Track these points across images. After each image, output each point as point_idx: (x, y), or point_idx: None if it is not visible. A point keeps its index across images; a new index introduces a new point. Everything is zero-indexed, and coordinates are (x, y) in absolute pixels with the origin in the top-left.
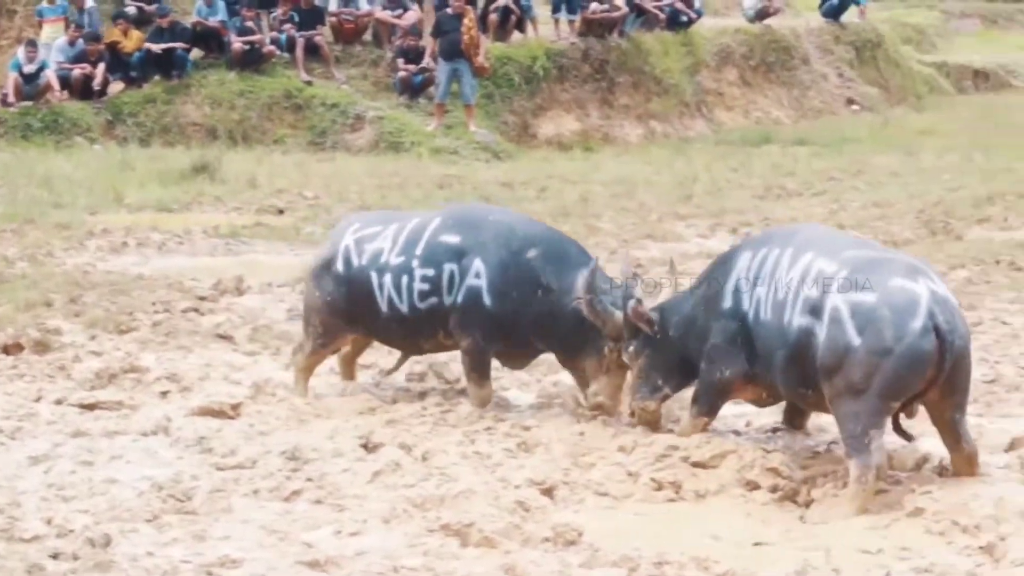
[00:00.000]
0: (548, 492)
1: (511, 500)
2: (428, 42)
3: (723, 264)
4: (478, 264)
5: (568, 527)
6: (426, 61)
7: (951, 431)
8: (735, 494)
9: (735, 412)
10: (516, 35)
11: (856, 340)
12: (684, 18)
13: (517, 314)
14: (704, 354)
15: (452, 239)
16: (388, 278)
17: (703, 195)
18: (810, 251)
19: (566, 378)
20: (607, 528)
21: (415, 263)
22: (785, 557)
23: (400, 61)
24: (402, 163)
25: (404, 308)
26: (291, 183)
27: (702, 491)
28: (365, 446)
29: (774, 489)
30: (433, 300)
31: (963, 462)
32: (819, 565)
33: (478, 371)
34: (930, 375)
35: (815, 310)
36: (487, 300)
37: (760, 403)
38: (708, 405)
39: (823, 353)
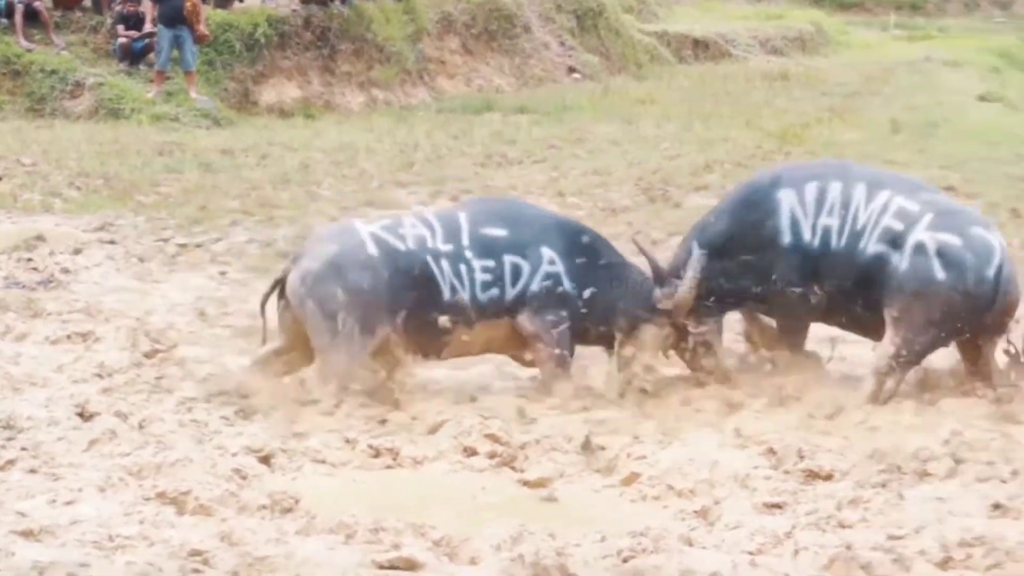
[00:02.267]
0: (265, 460)
1: (228, 468)
2: (148, 8)
3: None
4: (548, 252)
5: (285, 494)
6: (147, 27)
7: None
8: (453, 460)
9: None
10: (237, 3)
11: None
12: None
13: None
14: None
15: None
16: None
17: (424, 163)
18: None
19: None
20: (324, 495)
21: (469, 253)
22: (502, 522)
23: (120, 27)
24: (122, 130)
25: (466, 297)
26: (8, 150)
27: (420, 457)
28: (81, 415)
29: (492, 455)
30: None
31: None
32: (535, 530)
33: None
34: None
35: None
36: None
37: None
38: None
39: None
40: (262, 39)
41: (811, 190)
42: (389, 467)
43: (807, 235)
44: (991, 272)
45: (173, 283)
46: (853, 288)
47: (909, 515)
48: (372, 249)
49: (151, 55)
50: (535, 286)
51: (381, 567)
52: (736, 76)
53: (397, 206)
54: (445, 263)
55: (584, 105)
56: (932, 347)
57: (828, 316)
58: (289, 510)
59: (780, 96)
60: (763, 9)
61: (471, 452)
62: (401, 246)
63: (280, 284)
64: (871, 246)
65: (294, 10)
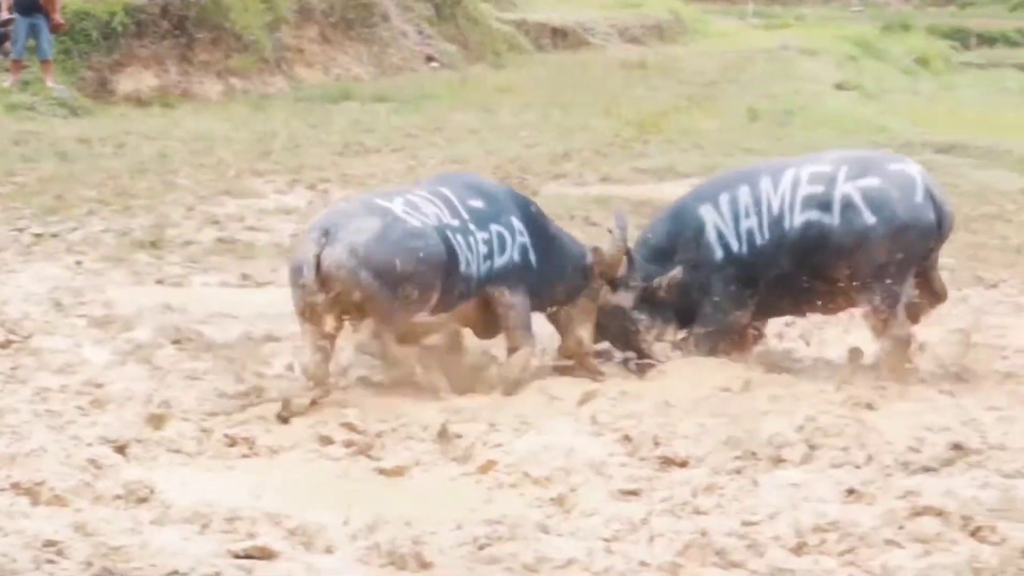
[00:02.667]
0: (121, 449)
1: (83, 458)
2: None
3: None
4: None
5: (140, 484)
6: (2, 15)
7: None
8: (309, 449)
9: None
10: None
11: None
12: None
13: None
14: None
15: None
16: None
17: (282, 151)
18: None
19: (141, 335)
20: (180, 485)
21: (472, 226)
22: (359, 510)
23: None
24: None
25: (474, 270)
26: None
27: (276, 447)
28: None
29: (348, 444)
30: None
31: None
32: (392, 518)
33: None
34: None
35: None
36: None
37: None
38: None
39: None
40: (119, 28)
41: (725, 201)
42: (245, 456)
43: (735, 245)
44: (919, 197)
45: (28, 273)
46: (793, 267)
47: (763, 501)
48: (415, 221)
49: (7, 44)
50: (516, 256)
51: (237, 556)
52: (594, 64)
53: (254, 195)
54: (460, 237)
55: (442, 94)
56: (904, 281)
57: (768, 310)
58: (144, 500)
59: (638, 84)
60: None
61: (328, 441)
62: (430, 222)
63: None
64: (797, 218)
65: None
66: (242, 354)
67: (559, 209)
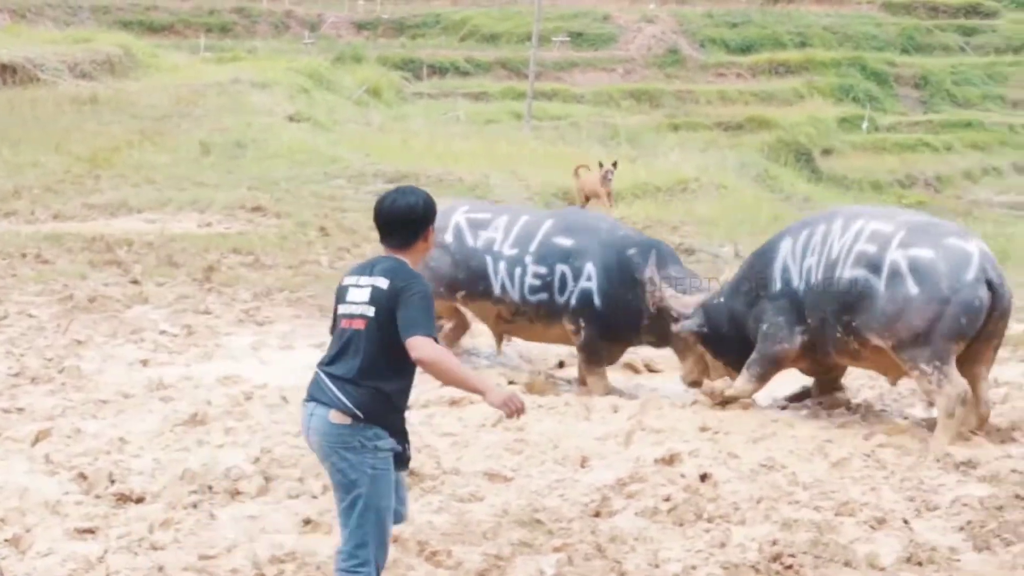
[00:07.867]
0: None
1: None
2: None
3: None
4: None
5: None
6: None
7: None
8: None
9: None
10: None
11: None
12: None
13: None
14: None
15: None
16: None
17: None
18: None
19: None
20: None
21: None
22: None
23: None
24: None
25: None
26: None
27: None
28: None
29: None
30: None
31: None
32: None
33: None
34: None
35: None
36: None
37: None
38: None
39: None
40: None
41: None
42: None
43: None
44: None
45: None
46: None
47: (221, 534)
48: (448, 237)
49: None
50: (574, 301)
51: None
52: (45, 101)
53: None
54: (502, 265)
55: None
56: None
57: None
58: None
59: (90, 120)
60: (71, 33)
61: None
62: (470, 242)
63: None
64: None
65: None
66: None
67: (10, 247)
